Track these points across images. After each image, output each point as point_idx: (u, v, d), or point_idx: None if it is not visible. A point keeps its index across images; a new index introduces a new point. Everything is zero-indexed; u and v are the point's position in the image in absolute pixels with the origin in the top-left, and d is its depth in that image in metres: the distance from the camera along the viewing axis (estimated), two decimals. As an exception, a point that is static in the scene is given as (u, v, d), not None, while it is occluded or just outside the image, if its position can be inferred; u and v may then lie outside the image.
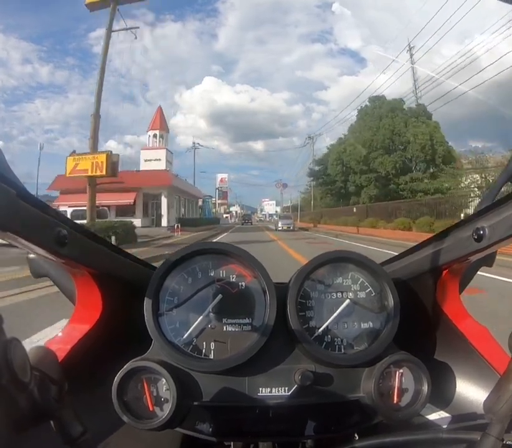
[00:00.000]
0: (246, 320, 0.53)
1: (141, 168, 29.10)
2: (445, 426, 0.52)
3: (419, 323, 0.59)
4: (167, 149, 31.30)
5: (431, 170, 26.95)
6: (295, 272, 0.56)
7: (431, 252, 0.53)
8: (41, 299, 4.22)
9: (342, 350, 0.53)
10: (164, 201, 27.29)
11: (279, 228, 26.98)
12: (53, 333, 0.55)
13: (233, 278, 0.55)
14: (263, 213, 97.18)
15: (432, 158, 27.54)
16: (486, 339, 0.54)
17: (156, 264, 0.58)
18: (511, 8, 0.38)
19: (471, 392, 0.53)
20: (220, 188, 64.80)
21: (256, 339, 0.51)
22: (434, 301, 0.56)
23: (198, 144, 46.94)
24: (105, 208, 17.11)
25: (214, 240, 11.95)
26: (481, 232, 0.42)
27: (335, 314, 0.53)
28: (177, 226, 20.03)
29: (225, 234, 21.25)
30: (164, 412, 0.47)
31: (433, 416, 0.57)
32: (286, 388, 0.51)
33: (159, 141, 31.43)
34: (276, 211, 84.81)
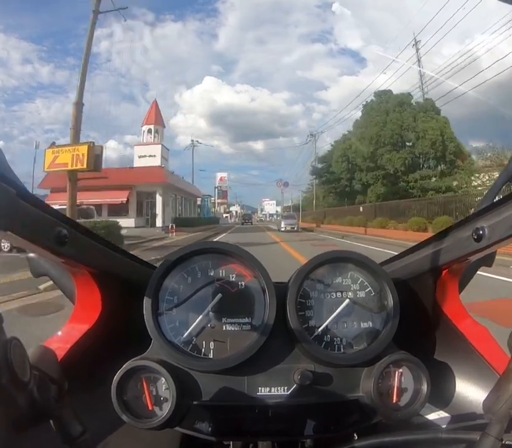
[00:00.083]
0: (246, 320, 0.53)
1: (134, 165, 27.20)
2: (444, 426, 0.52)
3: (419, 323, 0.59)
4: (162, 145, 29.22)
5: (442, 167, 25.56)
6: (295, 271, 0.56)
7: (430, 252, 0.53)
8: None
9: (342, 350, 0.53)
10: (158, 200, 25.31)
11: (282, 229, 24.84)
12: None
13: (232, 277, 0.55)
14: (263, 212, 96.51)
15: (443, 154, 26.15)
16: (486, 339, 0.53)
17: (156, 264, 0.57)
18: (511, 8, 0.37)
19: (470, 392, 0.53)
20: (219, 187, 63.38)
21: (255, 338, 0.51)
22: (434, 301, 0.56)
23: (197, 141, 45.50)
24: (91, 206, 15.69)
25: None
26: (481, 232, 0.42)
27: (334, 314, 0.53)
28: (172, 226, 18.73)
29: (224, 234, 19.96)
30: (164, 411, 0.47)
31: (432, 416, 0.56)
32: (286, 388, 0.51)
33: (154, 136, 29.35)
34: (277, 211, 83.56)
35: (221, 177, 63.92)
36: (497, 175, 0.53)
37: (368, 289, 0.56)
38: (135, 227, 22.72)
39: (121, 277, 0.54)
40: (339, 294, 0.55)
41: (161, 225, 22.88)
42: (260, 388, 0.51)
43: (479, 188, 18.47)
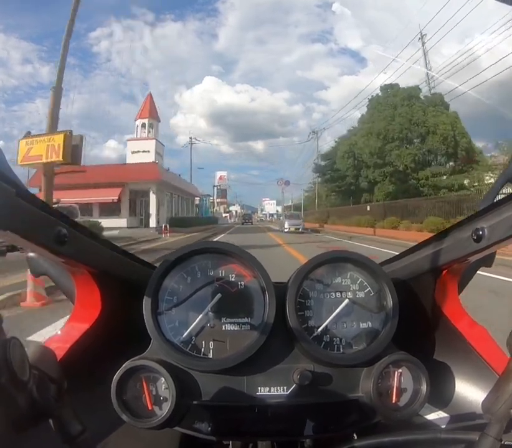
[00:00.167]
0: (246, 320, 0.53)
1: (127, 161, 25.39)
2: (443, 426, 0.52)
3: (418, 323, 0.59)
4: (157, 140, 27.17)
5: (455, 163, 24.11)
6: (294, 271, 0.56)
7: (430, 253, 0.53)
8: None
9: (341, 350, 0.53)
10: (152, 198, 23.50)
11: (286, 230, 22.16)
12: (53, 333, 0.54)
13: (232, 277, 0.54)
14: (263, 212, 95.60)
15: (454, 151, 24.68)
16: (485, 339, 0.53)
17: (156, 264, 0.57)
18: (511, 8, 0.37)
19: (469, 392, 0.53)
20: (219, 186, 61.88)
21: (255, 338, 0.51)
22: (433, 301, 0.56)
23: (195, 138, 44.04)
24: (73, 205, 14.08)
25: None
26: (480, 233, 0.42)
27: (334, 314, 0.53)
28: (165, 226, 17.28)
29: (222, 235, 18.45)
30: (163, 411, 0.47)
31: (431, 416, 0.56)
32: (285, 388, 0.51)
33: (148, 131, 27.29)
34: (277, 211, 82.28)
35: (220, 176, 62.47)
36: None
37: (367, 289, 0.56)
38: (127, 227, 21.29)
39: (120, 277, 0.54)
40: (338, 294, 0.55)
41: (155, 225, 21.36)
42: (259, 388, 0.51)
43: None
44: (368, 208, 22.74)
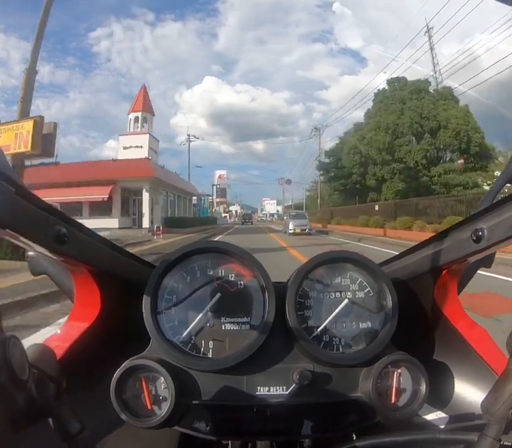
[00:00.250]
0: (245, 319, 0.53)
1: (119, 157, 23.30)
2: (442, 426, 0.52)
3: (417, 324, 0.59)
4: (150, 134, 25.16)
5: (470, 159, 22.63)
6: (294, 271, 0.56)
7: (430, 253, 0.52)
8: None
9: (341, 350, 0.53)
10: (145, 197, 21.79)
11: (291, 231, 19.48)
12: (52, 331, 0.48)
13: (232, 277, 0.55)
14: (263, 212, 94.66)
15: (467, 147, 23.20)
16: (484, 340, 0.53)
17: (155, 263, 0.57)
18: (510, 8, 0.37)
19: (469, 392, 0.53)
20: (218, 185, 60.39)
21: (254, 338, 0.51)
22: (433, 301, 0.56)
23: (193, 136, 42.37)
24: (54, 204, 12.56)
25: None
26: (480, 233, 0.42)
27: (333, 314, 0.53)
28: (157, 227, 15.84)
29: (220, 237, 16.92)
30: (162, 410, 0.47)
31: (431, 416, 0.56)
32: (284, 387, 0.51)
33: (142, 125, 25.36)
34: (278, 211, 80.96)
35: (220, 175, 61.06)
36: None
37: (367, 289, 0.56)
38: (119, 228, 19.79)
39: (120, 276, 0.54)
40: (338, 294, 0.55)
41: (148, 226, 19.71)
42: (258, 388, 0.51)
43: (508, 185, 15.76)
44: (376, 207, 21.12)
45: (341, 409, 0.52)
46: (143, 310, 0.51)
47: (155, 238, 15.16)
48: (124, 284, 0.55)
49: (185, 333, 0.51)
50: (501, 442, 0.34)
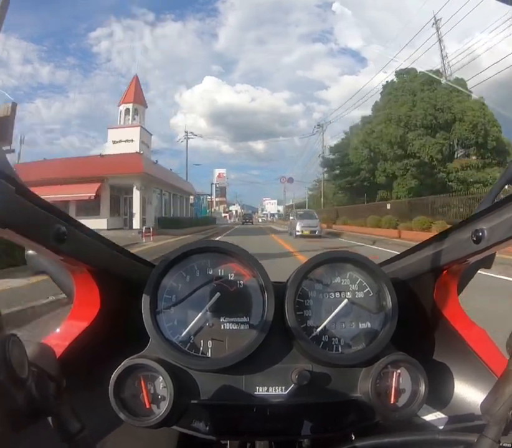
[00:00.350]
0: (244, 319, 0.53)
1: (108, 152, 21.22)
2: (441, 427, 0.52)
3: (417, 324, 0.59)
4: (142, 127, 22.83)
5: (487, 154, 20.96)
6: (293, 271, 0.56)
7: (430, 253, 0.52)
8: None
9: (340, 350, 0.53)
10: (136, 195, 19.69)
11: (298, 233, 16.49)
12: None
13: (231, 277, 0.54)
14: (264, 212, 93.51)
15: (484, 141, 21.46)
16: (484, 341, 0.53)
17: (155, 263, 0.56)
18: (510, 8, 0.37)
19: (468, 393, 0.53)
20: (217, 184, 58.69)
21: (253, 338, 0.51)
22: (432, 302, 0.55)
23: (191, 133, 40.68)
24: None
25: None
26: (480, 234, 0.42)
27: (333, 314, 0.53)
28: (147, 229, 14.21)
29: (218, 238, 15.16)
30: (161, 410, 0.47)
31: (430, 417, 0.56)
32: (283, 387, 0.51)
33: (133, 118, 23.12)
34: (278, 211, 79.42)
35: (219, 174, 59.43)
36: None
37: (367, 290, 0.56)
38: (108, 229, 18.01)
39: (120, 275, 0.54)
40: (337, 294, 0.55)
41: (139, 227, 17.81)
42: (257, 387, 0.51)
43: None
44: (388, 206, 19.42)
45: (340, 409, 0.52)
46: (142, 310, 0.51)
47: (144, 240, 13.51)
48: (123, 283, 0.54)
49: (184, 333, 0.51)
50: (501, 444, 0.34)
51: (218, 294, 0.52)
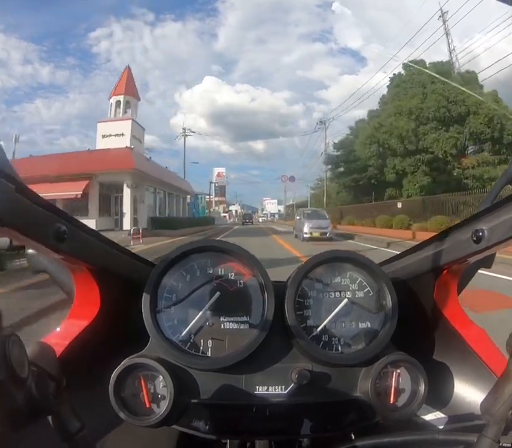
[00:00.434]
0: (244, 318, 0.53)
1: (97, 148, 19.86)
2: (441, 427, 0.52)
3: (417, 324, 0.59)
4: (134, 120, 21.09)
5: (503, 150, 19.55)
6: (294, 271, 0.56)
7: (430, 253, 0.53)
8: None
9: (340, 350, 0.53)
10: (126, 193, 18.19)
11: (307, 235, 14.28)
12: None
13: (231, 276, 0.55)
14: (264, 212, 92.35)
15: (500, 135, 20.01)
16: (484, 341, 0.53)
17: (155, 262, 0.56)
18: (510, 8, 0.37)
19: (468, 393, 0.53)
20: (216, 184, 57.29)
21: (253, 337, 0.51)
22: (432, 302, 0.56)
23: (189, 130, 39.32)
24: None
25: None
26: (480, 234, 0.42)
27: (333, 313, 0.53)
28: (136, 230, 12.88)
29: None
30: (161, 409, 0.47)
31: (429, 417, 0.56)
32: (283, 387, 0.51)
33: (124, 111, 21.44)
34: (279, 210, 77.91)
35: (218, 172, 58.14)
36: None
37: (367, 289, 0.56)
38: (97, 230, 16.60)
39: (120, 274, 0.54)
40: (337, 294, 0.55)
41: (129, 227, 15.77)
42: (257, 387, 0.51)
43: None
44: (399, 204, 18.03)
45: (340, 408, 0.52)
46: (143, 309, 0.51)
47: (132, 243, 12.15)
48: (124, 283, 0.55)
49: (184, 332, 0.51)
50: (500, 443, 0.34)
51: (218, 293, 0.52)
